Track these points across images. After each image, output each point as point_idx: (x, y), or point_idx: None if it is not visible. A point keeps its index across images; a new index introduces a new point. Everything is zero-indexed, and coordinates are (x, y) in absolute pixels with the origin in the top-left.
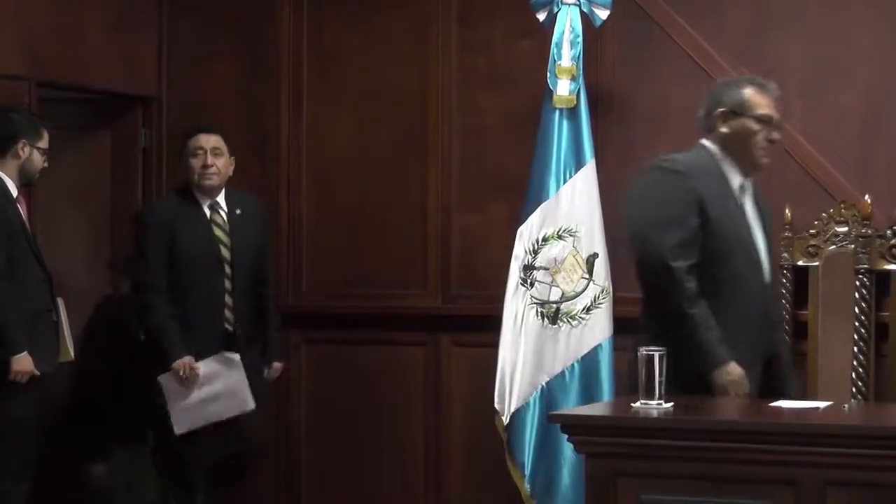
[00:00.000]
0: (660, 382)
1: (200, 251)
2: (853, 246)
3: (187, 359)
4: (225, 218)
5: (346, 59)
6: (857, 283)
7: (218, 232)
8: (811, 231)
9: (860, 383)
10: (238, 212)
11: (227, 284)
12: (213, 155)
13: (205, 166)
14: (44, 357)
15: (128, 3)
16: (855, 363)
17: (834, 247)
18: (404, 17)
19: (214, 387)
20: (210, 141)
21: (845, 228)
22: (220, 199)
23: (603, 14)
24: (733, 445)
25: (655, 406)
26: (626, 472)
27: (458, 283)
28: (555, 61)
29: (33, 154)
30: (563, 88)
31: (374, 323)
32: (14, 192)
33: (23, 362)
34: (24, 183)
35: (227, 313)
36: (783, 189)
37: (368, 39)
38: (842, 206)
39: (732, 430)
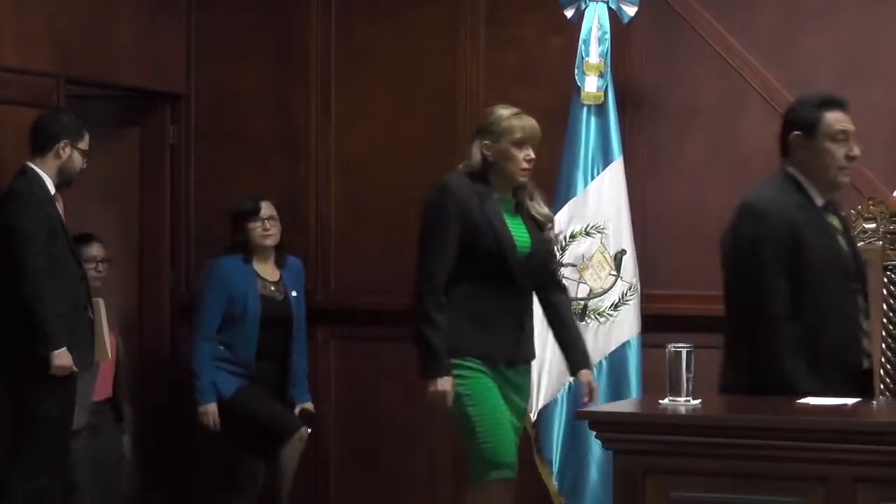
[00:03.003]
0: (688, 379)
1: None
2: (881, 242)
3: None
4: (839, 222)
5: (374, 55)
6: (886, 279)
7: (840, 239)
8: None
9: (888, 380)
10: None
11: (862, 305)
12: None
13: (850, 157)
14: (81, 354)
15: (157, 1)
16: (883, 360)
17: (862, 243)
18: (433, 14)
19: None
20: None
21: (873, 225)
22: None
23: (631, 11)
24: (763, 442)
25: (683, 403)
26: (654, 469)
27: None
28: (582, 58)
29: (74, 155)
30: (591, 85)
31: (403, 320)
32: (52, 191)
33: (63, 357)
34: (62, 183)
35: (865, 343)
36: None
37: (397, 36)
38: (870, 202)
39: (762, 426)
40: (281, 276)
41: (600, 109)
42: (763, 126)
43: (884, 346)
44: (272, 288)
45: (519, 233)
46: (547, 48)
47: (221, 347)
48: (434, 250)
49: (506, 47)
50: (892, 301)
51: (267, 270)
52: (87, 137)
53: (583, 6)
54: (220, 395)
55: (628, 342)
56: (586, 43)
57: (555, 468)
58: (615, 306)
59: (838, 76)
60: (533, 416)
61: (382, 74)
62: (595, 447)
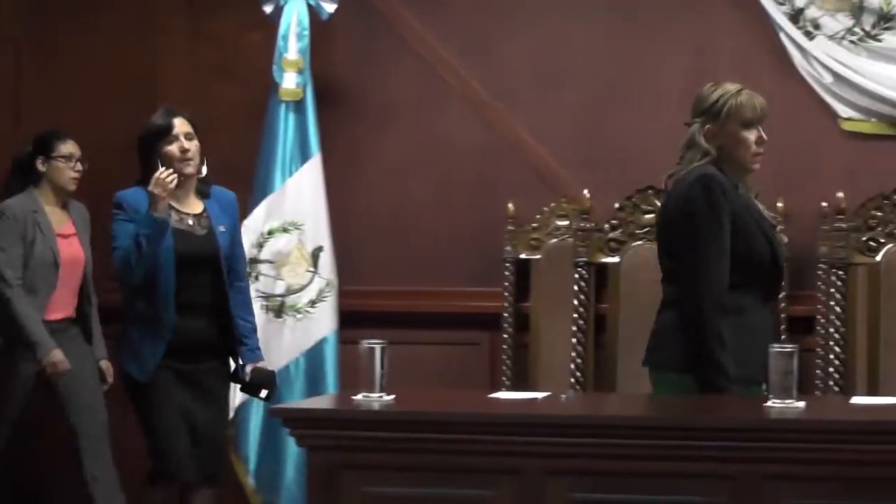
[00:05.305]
0: (382, 375)
1: None
2: (572, 239)
3: None
4: None
5: (68, 50)
6: (577, 275)
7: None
8: (533, 225)
9: (579, 374)
10: None
11: None
12: None
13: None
14: None
15: None
16: (574, 354)
17: (555, 240)
18: (130, 7)
19: None
20: None
21: (566, 222)
22: None
23: (330, 7)
24: (455, 437)
25: (377, 398)
26: (348, 465)
27: None
28: (281, 54)
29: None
30: (290, 81)
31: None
32: None
33: None
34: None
35: None
36: (506, 184)
37: (93, 30)
38: (563, 200)
39: (453, 421)
40: (205, 209)
41: (299, 106)
42: (462, 124)
43: (574, 340)
44: (191, 222)
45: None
46: (246, 43)
47: (142, 304)
48: (713, 253)
49: (205, 42)
50: (582, 296)
51: (185, 202)
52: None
53: (282, 2)
54: (132, 375)
55: (325, 338)
56: (285, 39)
57: (251, 465)
58: (312, 303)
59: (533, 78)
60: (231, 414)
61: (77, 70)
62: (292, 444)
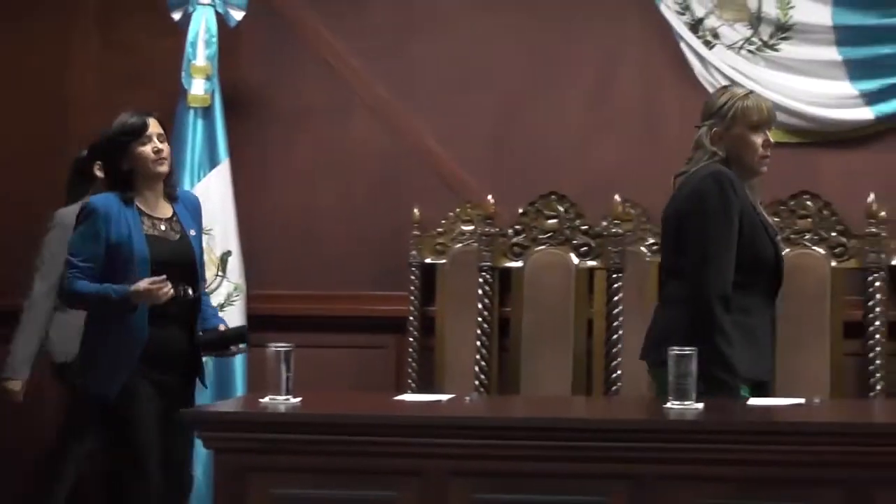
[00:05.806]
0: (288, 378)
1: None
2: (477, 244)
3: None
4: None
5: None
6: (481, 279)
7: None
8: (439, 230)
9: (483, 376)
10: None
11: None
12: None
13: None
14: None
15: None
16: (478, 357)
17: (460, 245)
18: (41, 13)
19: None
20: None
21: (471, 227)
22: None
23: (238, 15)
24: (359, 438)
25: (283, 401)
26: (254, 467)
27: None
28: (189, 61)
29: None
30: (198, 88)
31: None
32: None
33: None
34: None
35: None
36: (412, 188)
37: (2, 37)
38: (468, 205)
39: (358, 423)
40: (175, 213)
41: (207, 112)
42: (368, 130)
43: (478, 343)
44: (163, 227)
45: None
46: (156, 50)
47: (111, 316)
48: (722, 247)
49: (115, 48)
50: (486, 300)
51: (155, 206)
52: None
53: (190, 9)
54: (99, 394)
55: None
56: (193, 46)
57: None
58: (221, 307)
59: (438, 83)
60: None
61: None
62: (200, 446)
